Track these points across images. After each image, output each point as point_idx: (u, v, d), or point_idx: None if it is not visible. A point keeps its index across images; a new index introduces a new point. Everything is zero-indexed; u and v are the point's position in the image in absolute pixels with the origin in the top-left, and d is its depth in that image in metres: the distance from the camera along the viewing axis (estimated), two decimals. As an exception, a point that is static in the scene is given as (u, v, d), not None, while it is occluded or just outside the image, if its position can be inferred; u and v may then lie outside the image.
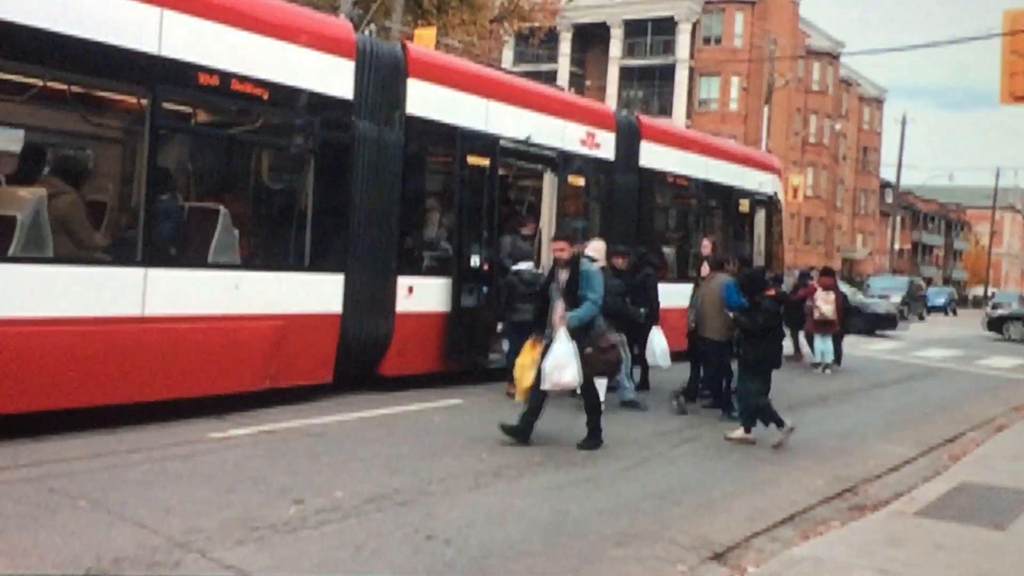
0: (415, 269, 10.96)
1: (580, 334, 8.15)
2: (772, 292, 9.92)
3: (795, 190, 35.75)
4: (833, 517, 6.85)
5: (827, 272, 17.46)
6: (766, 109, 40.19)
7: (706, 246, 12.58)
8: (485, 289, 11.59)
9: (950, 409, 12.04)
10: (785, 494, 7.44)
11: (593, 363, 8.20)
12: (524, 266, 11.03)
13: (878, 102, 77.20)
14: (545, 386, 8.11)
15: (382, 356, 10.50)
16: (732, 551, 5.89)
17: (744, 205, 17.86)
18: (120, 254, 8.05)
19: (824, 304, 16.37)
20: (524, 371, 8.49)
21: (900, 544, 5.93)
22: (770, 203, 18.73)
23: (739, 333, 9.79)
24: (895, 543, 5.95)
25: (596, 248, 10.87)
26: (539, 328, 8.59)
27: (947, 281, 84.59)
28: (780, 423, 9.19)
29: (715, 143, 18.89)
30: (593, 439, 8.45)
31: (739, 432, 9.36)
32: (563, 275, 8.34)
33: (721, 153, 17.66)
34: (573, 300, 8.21)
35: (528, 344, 8.66)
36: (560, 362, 8.02)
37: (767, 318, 9.33)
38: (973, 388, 16.04)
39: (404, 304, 10.56)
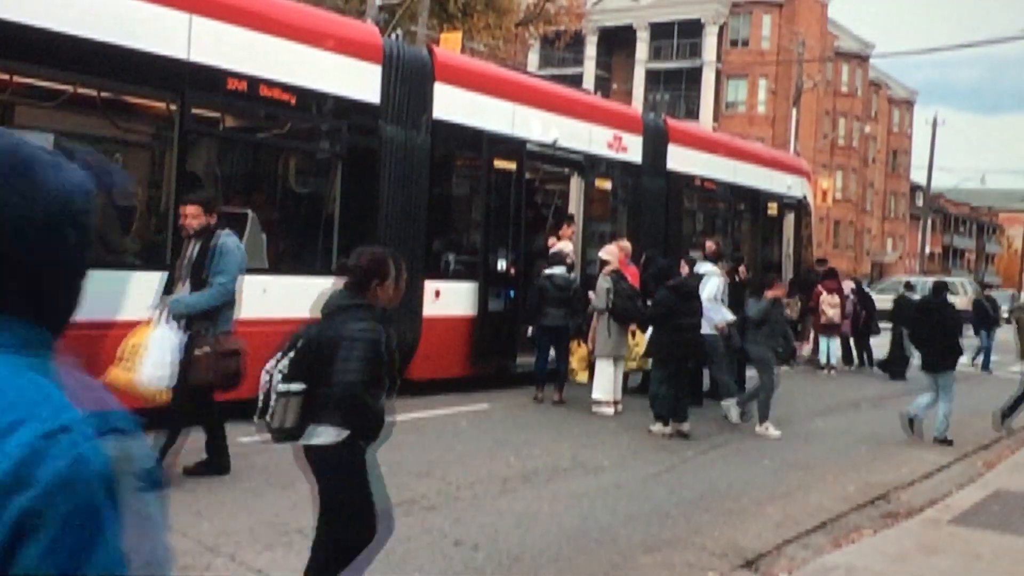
0: (442, 273, 10.96)
1: (200, 329, 6.30)
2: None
3: (824, 193, 35.40)
4: (865, 524, 6.75)
5: (831, 275, 17.22)
6: (794, 112, 39.87)
7: (710, 247, 12.48)
8: (512, 293, 11.56)
9: (983, 414, 11.84)
10: (816, 501, 7.34)
11: (203, 368, 6.26)
12: (557, 270, 10.98)
13: (908, 104, 76.41)
14: (142, 381, 6.09)
15: (409, 360, 10.49)
16: (763, 558, 5.82)
17: (773, 208, 17.72)
18: (149, 258, 8.10)
19: (829, 308, 16.25)
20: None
21: (935, 553, 5.83)
22: (799, 206, 18.56)
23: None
24: (930, 552, 5.85)
25: (610, 251, 10.83)
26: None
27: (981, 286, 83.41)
28: (665, 422, 9.40)
29: (743, 146, 18.76)
30: (210, 464, 6.66)
31: (658, 426, 9.47)
32: (192, 248, 6.48)
33: (749, 156, 17.53)
34: (199, 281, 6.39)
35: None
36: (154, 356, 6.12)
37: (655, 308, 9.70)
38: (1008, 394, 15.78)
39: (431, 308, 10.56)
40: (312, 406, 3.97)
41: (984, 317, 18.82)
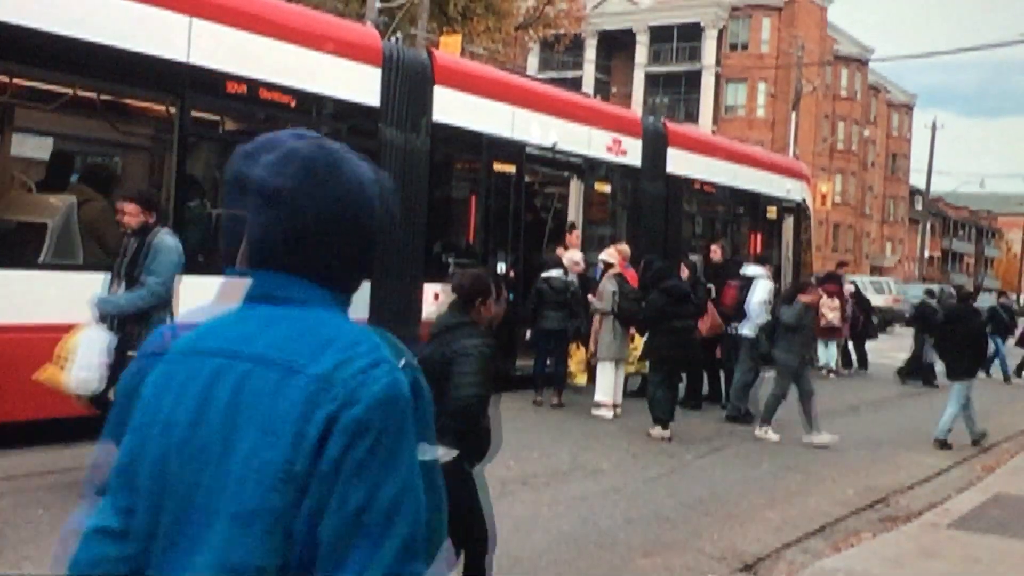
0: (441, 276, 10.95)
1: (131, 331, 5.90)
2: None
3: (823, 197, 35.44)
4: (864, 528, 6.74)
5: (831, 278, 17.19)
6: (794, 115, 39.92)
7: (715, 251, 12.47)
8: (511, 296, 11.55)
9: (983, 419, 11.86)
10: (815, 504, 7.34)
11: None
12: (554, 273, 10.98)
13: (907, 108, 76.49)
14: (70, 383, 5.89)
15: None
16: (762, 562, 5.82)
17: (772, 212, 17.71)
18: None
19: (829, 312, 16.23)
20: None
21: (935, 557, 5.83)
22: (798, 210, 18.56)
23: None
24: (929, 555, 5.84)
25: (610, 253, 10.86)
26: None
27: (978, 290, 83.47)
28: (664, 425, 9.40)
29: (742, 149, 18.77)
30: None
31: (657, 430, 9.48)
32: (129, 246, 6.16)
33: (748, 159, 17.54)
34: (133, 280, 6.05)
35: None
36: (81, 358, 5.82)
37: (648, 311, 9.76)
38: (1008, 398, 15.80)
39: (431, 311, 10.55)
40: None
41: (1000, 324, 18.65)
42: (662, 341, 9.63)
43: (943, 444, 10.11)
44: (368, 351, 1.36)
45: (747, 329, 10.88)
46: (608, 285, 10.53)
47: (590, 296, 10.94)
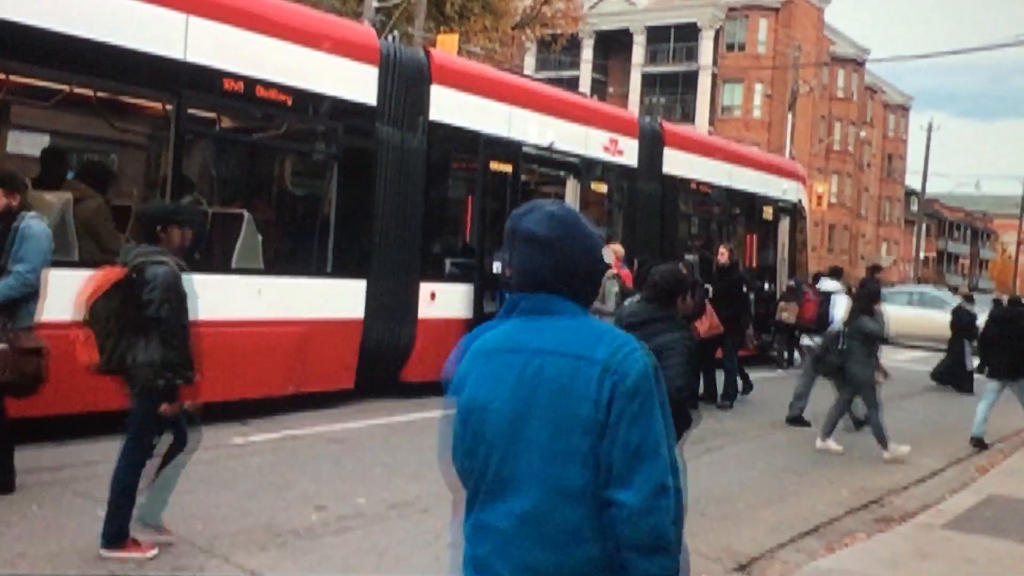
0: (438, 275, 10.95)
1: None
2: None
3: (819, 198, 35.50)
4: (859, 529, 6.76)
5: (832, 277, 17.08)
6: (790, 116, 39.97)
7: (723, 254, 12.52)
8: (508, 296, 11.56)
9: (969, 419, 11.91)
10: (810, 505, 7.35)
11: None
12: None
13: (904, 109, 76.61)
14: None
15: (404, 362, 10.48)
16: (756, 562, 5.83)
17: (768, 212, 17.74)
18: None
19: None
20: None
21: (929, 557, 5.84)
22: (794, 211, 18.59)
23: None
24: (924, 556, 5.86)
25: (607, 253, 10.88)
26: None
27: (973, 291, 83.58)
28: None
29: (738, 150, 18.79)
30: None
31: None
32: None
33: (745, 160, 17.56)
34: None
35: None
36: None
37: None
38: (1003, 399, 15.80)
39: (426, 310, 10.55)
40: None
41: None
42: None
43: (979, 442, 10.40)
44: (625, 342, 2.07)
45: (815, 340, 10.95)
46: (611, 286, 10.54)
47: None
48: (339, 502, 6.15)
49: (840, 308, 11.02)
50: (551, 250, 2.12)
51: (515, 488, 2.03)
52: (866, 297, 10.07)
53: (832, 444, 9.60)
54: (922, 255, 63.04)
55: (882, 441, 9.42)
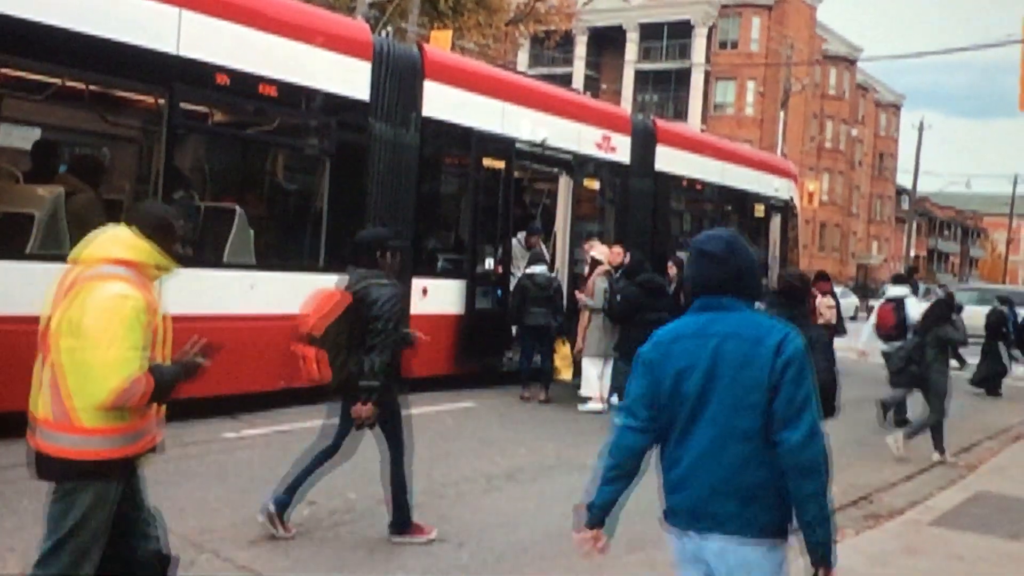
0: (430, 271, 10.96)
1: None
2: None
3: (811, 195, 35.55)
4: (848, 525, 6.78)
5: (823, 277, 17.13)
6: (782, 114, 40.02)
7: None
8: (499, 292, 11.58)
9: (966, 418, 11.95)
10: (800, 501, 7.37)
11: None
12: (537, 269, 11.02)
13: (895, 108, 76.79)
14: None
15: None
16: (746, 558, 5.84)
17: (759, 210, 17.79)
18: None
19: (826, 309, 16.24)
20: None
21: (917, 554, 5.88)
22: (786, 208, 18.64)
23: None
24: (912, 553, 5.89)
25: (600, 250, 10.92)
26: None
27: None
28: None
29: (731, 147, 18.82)
30: None
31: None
32: None
33: (737, 158, 17.60)
34: None
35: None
36: None
37: (621, 303, 10.02)
38: (991, 397, 15.90)
39: (418, 306, 10.55)
40: None
41: None
42: (635, 333, 9.74)
43: None
44: (787, 329, 2.90)
45: (891, 346, 11.05)
46: (600, 283, 10.56)
47: (578, 293, 10.97)
48: (330, 497, 6.15)
49: (913, 312, 11.12)
50: (724, 264, 2.95)
51: (701, 429, 2.87)
52: (946, 306, 10.09)
53: (900, 445, 9.56)
54: (912, 253, 63.21)
55: (940, 446, 9.56)
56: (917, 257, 75.24)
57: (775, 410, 2.78)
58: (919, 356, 9.62)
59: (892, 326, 11.59)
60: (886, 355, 11.30)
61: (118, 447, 3.32)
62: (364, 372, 5.23)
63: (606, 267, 10.76)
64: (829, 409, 5.18)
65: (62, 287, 3.41)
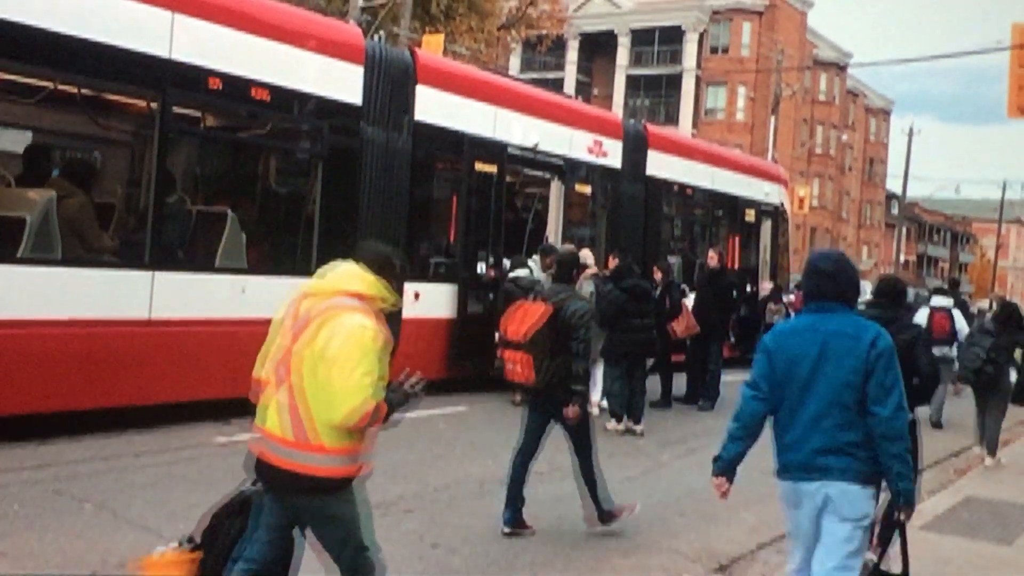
0: (422, 275, 10.97)
1: None
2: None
3: (801, 200, 35.68)
4: (838, 530, 6.81)
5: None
6: (773, 119, 40.12)
7: (712, 258, 12.60)
8: (492, 296, 11.59)
9: (956, 423, 12.00)
10: (790, 506, 7.40)
11: None
12: (522, 272, 11.01)
13: (885, 113, 77.10)
14: None
15: (388, 361, 10.46)
16: (737, 563, 5.88)
17: (750, 215, 17.84)
18: (128, 257, 8.06)
19: None
20: None
21: (906, 558, 5.89)
22: (776, 213, 18.71)
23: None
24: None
25: (587, 254, 10.98)
26: None
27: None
28: (619, 419, 9.87)
29: (721, 152, 18.89)
30: None
31: (612, 423, 9.89)
32: None
33: (727, 163, 17.66)
34: None
35: None
36: None
37: (607, 308, 9.90)
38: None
39: (410, 310, 10.54)
40: None
41: None
42: (621, 338, 9.89)
43: None
44: (879, 329, 3.81)
45: (944, 351, 11.32)
46: (586, 285, 10.56)
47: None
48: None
49: (961, 321, 11.62)
50: (833, 279, 3.88)
51: (810, 402, 3.76)
52: (1011, 313, 10.21)
53: (993, 459, 9.67)
54: (902, 258, 63.46)
55: (993, 449, 9.73)
56: (907, 262, 75.57)
57: (869, 390, 3.67)
58: (995, 357, 9.67)
59: (947, 333, 11.89)
60: (940, 359, 11.46)
61: (350, 466, 3.59)
62: (572, 376, 5.90)
63: (593, 270, 10.77)
64: (927, 397, 6.19)
65: (295, 316, 3.70)
